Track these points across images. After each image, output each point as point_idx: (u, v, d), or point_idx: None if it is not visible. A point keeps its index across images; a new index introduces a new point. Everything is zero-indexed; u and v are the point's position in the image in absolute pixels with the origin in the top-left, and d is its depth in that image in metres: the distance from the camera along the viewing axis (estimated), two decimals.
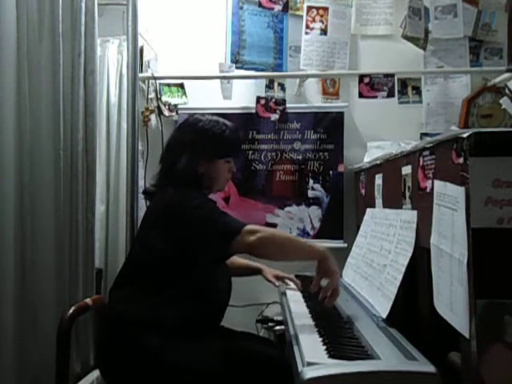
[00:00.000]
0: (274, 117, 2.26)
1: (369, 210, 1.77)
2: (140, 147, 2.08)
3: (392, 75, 2.12)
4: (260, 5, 2.21)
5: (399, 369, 0.93)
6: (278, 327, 1.94)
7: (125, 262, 1.49)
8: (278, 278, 1.71)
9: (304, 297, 1.61)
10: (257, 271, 1.71)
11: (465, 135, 0.89)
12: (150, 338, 1.26)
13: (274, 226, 2.29)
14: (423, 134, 2.23)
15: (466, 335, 0.89)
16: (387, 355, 0.99)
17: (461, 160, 0.92)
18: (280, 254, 1.33)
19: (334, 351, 1.03)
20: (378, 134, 2.25)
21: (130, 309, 1.31)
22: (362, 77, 2.13)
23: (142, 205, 1.75)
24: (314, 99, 2.35)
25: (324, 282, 1.31)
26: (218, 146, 1.46)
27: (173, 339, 1.27)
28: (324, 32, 2.23)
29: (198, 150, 1.44)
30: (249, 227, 1.28)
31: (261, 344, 1.52)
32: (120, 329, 1.31)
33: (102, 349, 1.38)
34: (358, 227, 1.84)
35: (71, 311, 1.37)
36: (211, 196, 1.49)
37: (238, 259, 1.69)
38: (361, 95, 2.14)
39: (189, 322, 1.31)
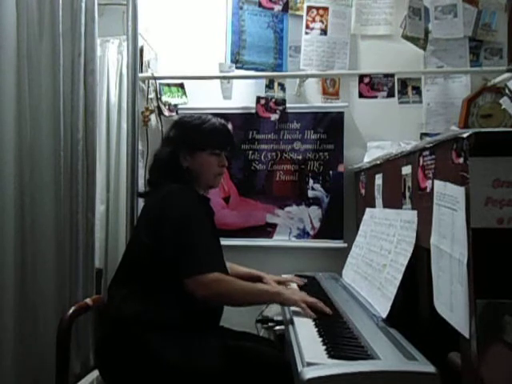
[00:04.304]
0: (274, 117, 2.26)
1: (368, 210, 1.76)
2: (140, 147, 2.08)
3: (392, 75, 2.12)
4: (260, 5, 2.21)
5: (399, 369, 0.93)
6: (277, 327, 1.93)
7: (122, 260, 1.47)
8: (279, 283, 1.71)
9: None
10: (258, 279, 1.70)
11: (465, 135, 0.89)
12: (149, 338, 1.26)
13: (273, 225, 2.29)
14: (423, 134, 2.22)
15: (466, 335, 0.89)
16: (387, 355, 0.99)
17: (461, 160, 0.92)
18: (235, 305, 1.42)
19: (334, 351, 1.03)
20: (378, 133, 2.25)
21: (129, 308, 1.31)
22: (361, 77, 2.13)
23: (142, 205, 1.75)
24: (314, 99, 2.35)
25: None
26: (196, 138, 1.46)
27: (172, 339, 1.27)
28: (324, 32, 2.23)
29: (178, 142, 1.46)
30: (209, 278, 1.28)
31: (261, 344, 1.52)
32: (119, 328, 1.31)
33: (100, 348, 1.38)
34: (358, 227, 1.84)
35: (71, 311, 1.37)
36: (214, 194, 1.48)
37: (239, 268, 1.71)
38: (361, 95, 2.14)
39: (188, 319, 1.31)
